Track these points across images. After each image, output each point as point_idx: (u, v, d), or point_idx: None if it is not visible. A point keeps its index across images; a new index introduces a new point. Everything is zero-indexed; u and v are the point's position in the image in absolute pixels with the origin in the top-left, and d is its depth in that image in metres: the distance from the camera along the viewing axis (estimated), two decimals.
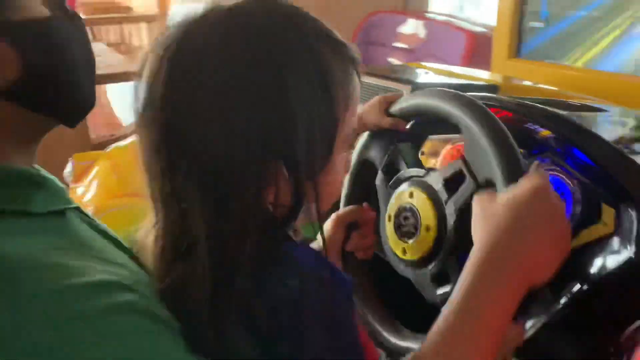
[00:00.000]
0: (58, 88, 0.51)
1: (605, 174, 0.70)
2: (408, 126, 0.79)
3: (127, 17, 5.31)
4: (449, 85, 1.11)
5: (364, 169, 0.80)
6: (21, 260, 0.41)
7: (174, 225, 0.48)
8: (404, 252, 0.71)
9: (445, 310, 0.50)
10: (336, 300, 0.49)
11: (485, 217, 0.54)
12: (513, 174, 0.59)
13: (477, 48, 2.04)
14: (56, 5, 0.52)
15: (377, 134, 0.80)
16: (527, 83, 1.23)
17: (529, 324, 0.68)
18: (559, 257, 0.53)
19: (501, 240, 0.52)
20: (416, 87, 1.05)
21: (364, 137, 0.82)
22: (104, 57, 3.05)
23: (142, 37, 5.99)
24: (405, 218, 0.72)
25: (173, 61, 0.47)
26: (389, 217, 0.74)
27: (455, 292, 0.51)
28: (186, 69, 0.47)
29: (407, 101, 0.77)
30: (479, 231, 0.54)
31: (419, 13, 2.55)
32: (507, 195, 0.54)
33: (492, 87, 1.08)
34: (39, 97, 0.50)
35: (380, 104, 0.78)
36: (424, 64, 1.38)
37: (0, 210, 0.45)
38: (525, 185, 0.54)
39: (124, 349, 0.40)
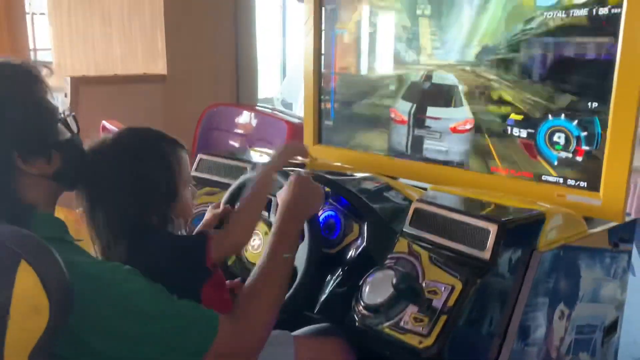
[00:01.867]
0: (72, 173, 1.01)
1: (354, 208, 1.38)
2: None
3: None
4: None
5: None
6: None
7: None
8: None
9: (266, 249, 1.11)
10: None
11: (280, 199, 1.19)
12: (286, 177, 1.25)
13: (295, 134, 2.73)
14: (70, 128, 1.03)
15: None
16: (323, 161, 1.94)
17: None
18: (318, 200, 1.22)
19: (286, 205, 1.17)
20: (253, 165, 1.67)
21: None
22: None
23: None
24: (253, 241, 1.33)
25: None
26: (246, 249, 1.35)
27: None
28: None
29: (225, 196, 1.44)
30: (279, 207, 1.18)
31: (250, 106, 3.23)
32: (286, 185, 1.20)
33: (301, 165, 1.74)
34: (66, 178, 1.00)
35: (213, 207, 1.43)
36: (256, 148, 2.01)
37: (59, 238, 0.95)
38: (292, 177, 1.21)
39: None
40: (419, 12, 1.80)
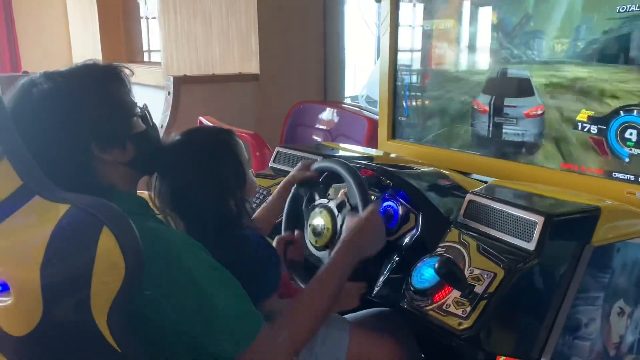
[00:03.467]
0: (146, 161, 1.15)
1: (411, 200, 1.44)
2: (320, 179, 1.52)
3: None
4: (344, 157, 1.85)
5: (294, 201, 1.52)
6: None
7: None
8: (316, 242, 1.42)
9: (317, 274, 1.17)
10: (265, 255, 1.20)
11: (349, 224, 1.26)
12: (364, 203, 1.32)
13: (375, 129, 2.81)
14: (147, 121, 1.16)
15: (302, 183, 1.53)
16: (393, 155, 2.02)
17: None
18: (379, 244, 1.23)
19: (350, 238, 1.20)
20: (325, 157, 1.78)
21: (295, 185, 1.54)
22: None
23: None
24: (317, 225, 1.44)
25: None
26: (310, 225, 1.45)
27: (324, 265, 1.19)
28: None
29: (318, 164, 1.51)
30: (345, 233, 1.25)
31: (335, 103, 3.36)
32: (360, 214, 1.26)
33: (368, 158, 1.83)
34: (140, 165, 1.14)
35: (303, 165, 1.53)
36: (333, 143, 2.12)
37: (139, 212, 1.10)
38: (368, 209, 1.27)
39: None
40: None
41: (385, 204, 1.50)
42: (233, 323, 1.00)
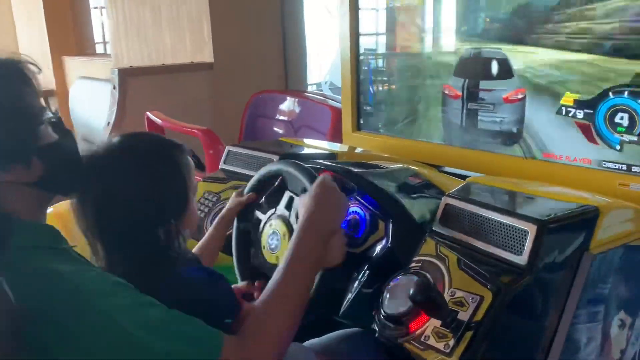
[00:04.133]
0: (60, 179, 0.92)
1: (379, 205, 1.24)
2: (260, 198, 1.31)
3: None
4: (303, 154, 1.64)
5: (242, 243, 1.31)
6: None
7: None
8: (277, 259, 1.21)
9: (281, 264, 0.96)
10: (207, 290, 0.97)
11: (302, 206, 1.04)
12: (310, 180, 1.12)
13: (339, 119, 2.61)
14: (60, 130, 0.95)
15: (241, 216, 1.32)
16: (359, 150, 1.82)
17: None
18: (342, 214, 1.03)
19: (307, 215, 0.99)
20: (283, 156, 1.57)
21: (235, 224, 1.33)
22: None
23: None
24: (271, 241, 1.23)
25: None
26: (264, 246, 1.24)
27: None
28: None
29: (249, 184, 1.31)
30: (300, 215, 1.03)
31: (296, 92, 3.13)
32: (310, 191, 1.04)
33: (331, 155, 1.62)
34: (52, 185, 0.91)
35: (236, 195, 1.34)
36: (292, 138, 1.90)
37: (53, 246, 0.88)
38: (317, 182, 1.05)
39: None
40: None
41: (350, 209, 1.30)
42: (184, 355, 0.82)
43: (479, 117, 1.64)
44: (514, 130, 1.56)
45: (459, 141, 1.71)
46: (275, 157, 1.57)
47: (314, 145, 1.84)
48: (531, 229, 0.98)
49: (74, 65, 5.42)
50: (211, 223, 1.42)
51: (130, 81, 3.01)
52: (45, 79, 5.96)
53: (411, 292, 0.92)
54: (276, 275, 0.94)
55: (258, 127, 3.06)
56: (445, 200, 1.16)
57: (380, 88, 1.98)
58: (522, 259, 0.97)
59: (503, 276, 0.96)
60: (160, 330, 0.82)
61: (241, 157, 1.68)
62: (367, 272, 1.21)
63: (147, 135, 1.04)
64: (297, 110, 2.90)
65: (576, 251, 1.03)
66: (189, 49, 3.43)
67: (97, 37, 5.74)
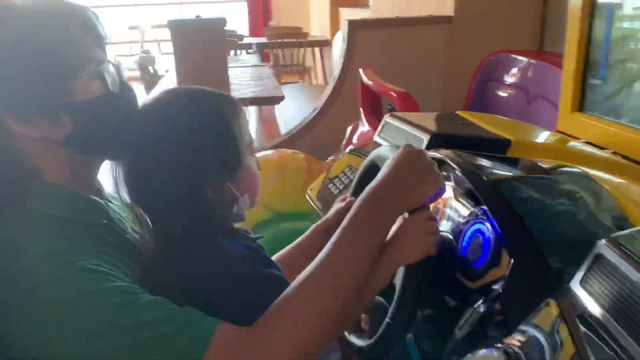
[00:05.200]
0: (94, 139, 0.80)
1: (509, 236, 0.84)
2: None
3: (304, 41, 5.91)
4: (458, 136, 1.26)
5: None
6: None
7: None
8: None
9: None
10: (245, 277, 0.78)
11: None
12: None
13: None
14: (115, 83, 0.80)
15: None
16: (540, 140, 1.33)
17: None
18: (429, 189, 0.79)
19: (375, 183, 0.78)
20: (434, 137, 1.23)
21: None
22: (266, 81, 3.55)
23: (316, 60, 6.57)
24: None
25: None
26: None
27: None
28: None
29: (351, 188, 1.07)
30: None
31: (539, 54, 2.57)
32: (391, 159, 0.81)
33: (504, 142, 1.20)
34: (83, 145, 0.79)
35: (340, 201, 1.09)
36: (471, 113, 1.50)
37: (75, 219, 0.76)
38: (401, 149, 0.82)
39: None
40: None
41: (474, 226, 0.92)
42: (160, 348, 0.68)
43: None
44: None
45: None
46: (426, 137, 1.24)
47: (494, 124, 1.41)
48: None
49: (346, 15, 5.56)
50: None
51: (360, 34, 2.87)
52: (323, 28, 6.29)
53: None
54: (322, 252, 0.75)
55: (488, 93, 2.64)
56: (599, 247, 0.71)
57: (621, 55, 1.41)
58: None
59: None
60: (129, 322, 0.68)
61: (393, 131, 1.38)
62: (471, 318, 0.85)
63: (190, 89, 0.86)
64: (537, 76, 2.38)
65: None
66: (434, 1, 3.10)
67: None
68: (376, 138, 1.45)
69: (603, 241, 0.70)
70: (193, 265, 0.77)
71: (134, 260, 0.80)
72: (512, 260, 0.80)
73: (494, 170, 0.96)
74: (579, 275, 0.72)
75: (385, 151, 0.94)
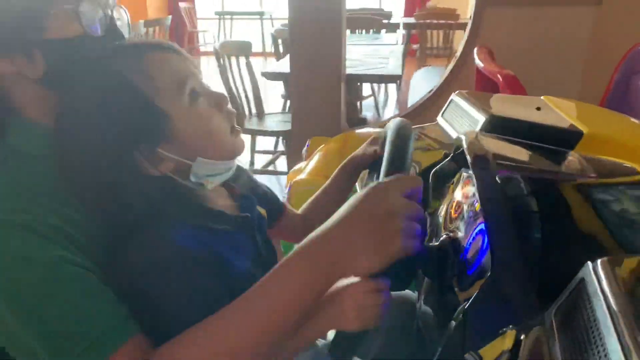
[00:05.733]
0: (68, 83, 0.74)
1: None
2: None
3: (453, 23, 5.60)
4: (520, 122, 1.05)
5: None
6: None
7: None
8: None
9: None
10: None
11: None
12: (390, 169, 0.71)
13: None
14: (96, 26, 0.76)
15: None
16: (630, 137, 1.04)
17: None
18: (378, 259, 0.56)
19: (324, 227, 0.59)
20: (490, 120, 1.05)
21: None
22: (390, 61, 3.41)
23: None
24: None
25: None
26: None
27: None
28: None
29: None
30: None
31: None
32: (353, 198, 0.60)
33: (574, 134, 0.98)
34: (58, 85, 0.74)
35: (371, 141, 0.95)
36: (557, 99, 1.25)
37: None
38: (387, 179, 0.62)
39: None
40: None
41: (480, 226, 0.76)
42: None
43: None
44: None
45: None
46: (482, 119, 1.05)
47: (581, 114, 1.17)
48: None
49: None
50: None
51: (489, 11, 2.60)
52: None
53: None
54: (247, 292, 0.61)
55: (631, 88, 2.24)
56: (584, 270, 0.52)
57: None
58: None
59: None
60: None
61: (455, 110, 1.20)
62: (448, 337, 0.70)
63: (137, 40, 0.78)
64: None
65: None
66: None
67: None
68: (439, 118, 1.29)
69: (589, 263, 0.51)
70: (123, 255, 0.67)
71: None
72: (491, 273, 0.63)
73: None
74: (557, 301, 0.54)
75: (388, 127, 0.81)
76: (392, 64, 3.21)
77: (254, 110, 3.22)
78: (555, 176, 0.78)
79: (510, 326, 0.55)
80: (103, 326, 0.62)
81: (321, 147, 1.97)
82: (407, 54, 4.57)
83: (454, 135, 1.14)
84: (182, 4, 8.05)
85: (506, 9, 2.61)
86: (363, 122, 3.73)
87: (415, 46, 6.41)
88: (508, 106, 1.18)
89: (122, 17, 0.84)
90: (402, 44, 4.42)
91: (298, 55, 2.59)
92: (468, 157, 0.75)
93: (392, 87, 5.64)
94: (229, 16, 8.57)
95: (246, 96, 3.17)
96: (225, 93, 2.95)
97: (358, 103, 4.37)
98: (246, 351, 0.59)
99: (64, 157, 0.71)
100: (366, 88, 4.37)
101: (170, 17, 5.77)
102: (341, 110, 2.66)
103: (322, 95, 2.59)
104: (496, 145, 0.82)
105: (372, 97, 4.54)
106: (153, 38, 0.86)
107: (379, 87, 5.09)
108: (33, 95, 0.77)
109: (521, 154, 0.84)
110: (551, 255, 0.63)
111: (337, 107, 2.64)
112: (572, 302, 0.52)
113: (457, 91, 1.26)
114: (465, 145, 0.78)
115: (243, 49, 3.20)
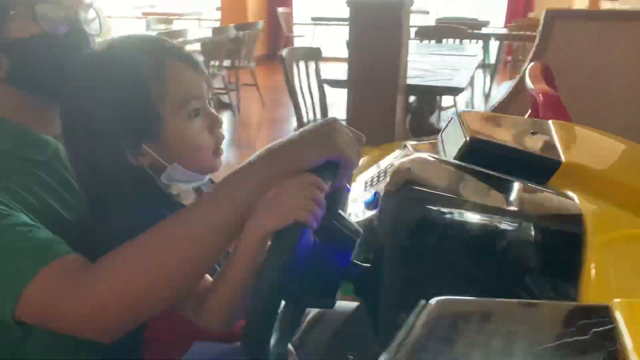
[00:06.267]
0: (35, 80, 0.82)
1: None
2: None
3: None
4: (499, 146, 1.00)
5: None
6: None
7: None
8: None
9: None
10: None
11: None
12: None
13: None
14: (54, 24, 0.81)
15: None
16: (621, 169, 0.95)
17: None
18: (322, 151, 0.69)
19: (278, 142, 0.71)
20: (471, 142, 1.02)
21: None
22: (461, 72, 3.32)
23: None
24: None
25: None
26: None
27: None
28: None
29: None
30: None
31: None
32: None
33: (550, 163, 0.92)
34: (25, 84, 0.82)
35: None
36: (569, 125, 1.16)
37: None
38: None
39: None
40: None
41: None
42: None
43: None
44: None
45: None
46: (463, 140, 1.03)
47: (581, 142, 1.10)
48: None
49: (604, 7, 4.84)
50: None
51: (558, 25, 2.47)
52: None
53: None
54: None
55: None
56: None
57: None
58: None
59: None
60: None
61: (450, 131, 1.17)
62: None
63: (124, 38, 0.84)
64: None
65: None
66: None
67: None
68: (439, 136, 1.26)
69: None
70: (100, 226, 0.77)
71: (78, 200, 0.85)
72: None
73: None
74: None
75: None
76: (460, 76, 3.13)
77: (318, 116, 3.28)
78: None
79: None
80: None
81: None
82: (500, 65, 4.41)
83: (442, 156, 1.12)
84: (280, 9, 8.31)
85: (577, 23, 2.47)
86: (436, 133, 3.66)
87: (509, 57, 6.18)
88: (495, 128, 1.13)
89: (94, 16, 0.89)
90: (482, 55, 4.28)
91: (356, 63, 2.61)
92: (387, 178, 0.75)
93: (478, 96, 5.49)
94: (324, 22, 8.73)
95: (312, 102, 3.23)
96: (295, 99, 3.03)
97: (437, 113, 4.30)
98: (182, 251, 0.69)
99: (66, 125, 0.80)
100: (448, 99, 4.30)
101: (261, 21, 5.99)
102: (395, 121, 2.65)
103: (377, 104, 2.59)
104: (432, 173, 0.80)
105: (454, 108, 4.45)
106: (182, 47, 0.91)
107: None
108: (4, 94, 0.83)
109: (456, 182, 0.82)
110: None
111: (392, 117, 2.63)
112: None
113: (461, 110, 1.23)
114: (394, 167, 0.78)
115: (312, 55, 3.26)
